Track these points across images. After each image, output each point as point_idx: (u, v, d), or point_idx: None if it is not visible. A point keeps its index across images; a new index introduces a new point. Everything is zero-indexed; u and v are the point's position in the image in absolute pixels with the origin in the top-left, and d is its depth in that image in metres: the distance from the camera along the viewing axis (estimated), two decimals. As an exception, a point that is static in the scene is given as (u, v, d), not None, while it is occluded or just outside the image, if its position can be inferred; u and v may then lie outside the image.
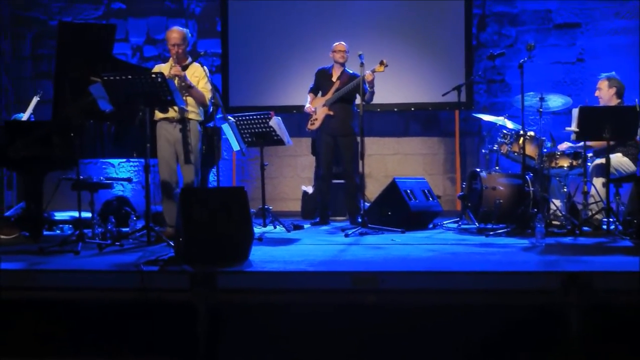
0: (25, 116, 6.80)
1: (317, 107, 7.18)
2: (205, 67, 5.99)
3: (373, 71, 6.70)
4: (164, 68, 5.94)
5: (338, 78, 7.15)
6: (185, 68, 5.88)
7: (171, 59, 5.94)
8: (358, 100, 7.15)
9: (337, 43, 7.19)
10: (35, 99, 6.92)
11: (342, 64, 7.16)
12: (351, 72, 7.12)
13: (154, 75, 5.35)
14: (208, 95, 5.98)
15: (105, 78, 5.36)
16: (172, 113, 5.86)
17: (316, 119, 7.16)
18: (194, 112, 5.95)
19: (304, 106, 7.32)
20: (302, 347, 4.02)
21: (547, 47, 8.79)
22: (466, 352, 3.94)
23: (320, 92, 7.29)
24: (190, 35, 6.08)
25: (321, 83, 7.29)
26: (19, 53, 9.67)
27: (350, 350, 4.00)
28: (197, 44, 9.37)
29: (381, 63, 6.70)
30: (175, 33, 5.93)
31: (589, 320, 3.83)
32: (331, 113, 7.07)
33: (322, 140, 7.21)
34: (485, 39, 9.02)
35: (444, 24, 8.82)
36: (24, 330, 4.21)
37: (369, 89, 6.73)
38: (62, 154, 5.95)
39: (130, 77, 5.35)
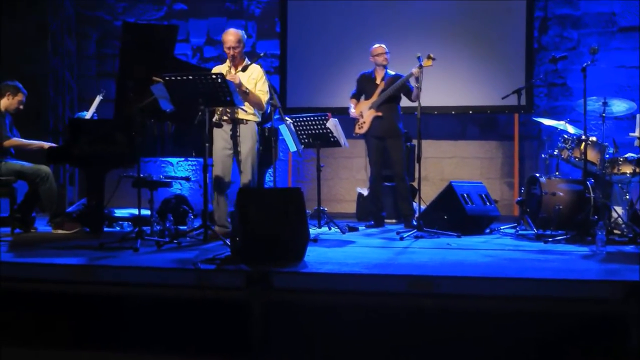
0: (88, 114, 6.96)
1: (363, 111, 7.16)
2: (262, 69, 6.02)
3: (420, 66, 6.61)
4: (221, 69, 6.00)
5: (382, 79, 7.14)
6: (244, 69, 5.93)
7: (228, 60, 6.00)
8: (403, 102, 7.13)
9: (375, 46, 7.19)
10: (98, 98, 7.09)
11: (384, 66, 7.13)
12: (393, 73, 7.12)
13: (214, 76, 5.41)
14: (265, 97, 6.00)
15: (167, 78, 5.45)
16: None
17: (364, 122, 7.15)
18: (250, 114, 6.00)
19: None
20: (355, 350, 4.01)
21: (611, 50, 8.59)
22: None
23: (363, 97, 7.27)
24: (245, 36, 6.10)
25: (364, 87, 7.28)
26: (83, 52, 9.92)
27: (404, 354, 3.98)
28: (256, 44, 9.46)
29: (428, 57, 6.62)
30: (232, 35, 5.96)
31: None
32: (379, 114, 7.06)
33: (371, 143, 7.21)
34: (546, 41, 8.87)
35: (504, 26, 8.71)
36: (82, 323, 4.31)
37: (414, 85, 6.64)
38: (124, 152, 6.07)
39: (191, 77, 5.43)
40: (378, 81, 7.18)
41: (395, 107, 7.13)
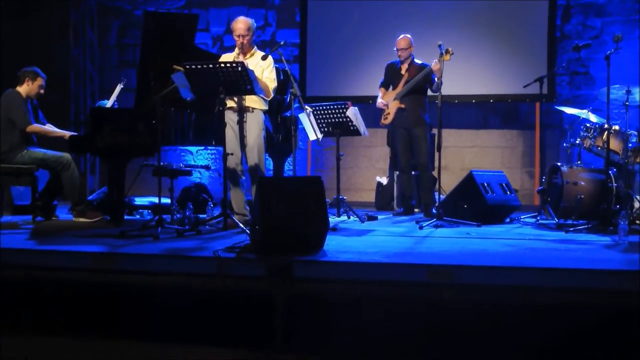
0: (109, 103, 7.00)
1: (388, 101, 7.14)
2: (270, 56, 5.96)
3: (439, 60, 6.60)
4: (230, 57, 5.99)
5: (406, 70, 7.09)
6: (252, 57, 5.95)
7: (236, 48, 5.99)
8: (430, 92, 7.09)
9: (398, 38, 7.09)
10: (119, 87, 7.12)
11: (411, 56, 7.08)
12: (420, 62, 7.05)
13: (234, 65, 5.41)
14: (272, 84, 5.97)
15: (188, 67, 5.46)
16: (231, 103, 5.91)
17: (389, 114, 7.13)
18: (257, 102, 5.98)
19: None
20: (375, 338, 4.01)
21: (635, 39, 8.47)
22: (543, 351, 3.86)
23: (390, 87, 7.23)
24: (255, 25, 6.08)
25: (391, 77, 7.24)
26: (105, 42, 9.97)
27: (424, 344, 3.97)
28: (276, 34, 9.46)
29: (447, 52, 6.59)
30: (241, 23, 5.94)
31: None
32: (402, 106, 7.03)
33: (397, 134, 7.20)
34: (569, 30, 8.77)
35: (526, 14, 8.62)
36: (103, 311, 4.35)
37: (436, 79, 6.64)
38: (145, 140, 6.09)
39: (211, 66, 5.43)
40: (403, 72, 7.12)
41: (420, 98, 7.06)
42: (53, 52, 9.14)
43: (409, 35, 7.10)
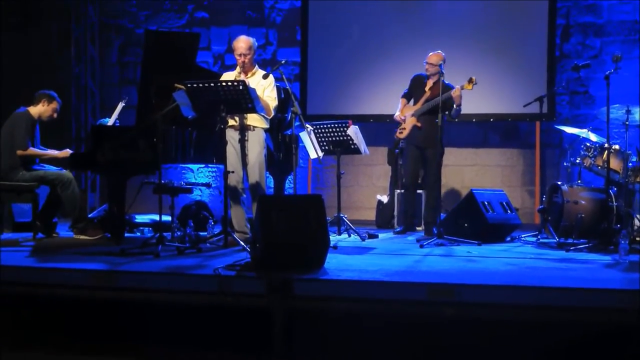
0: (110, 121, 7.01)
1: (406, 116, 7.08)
2: (271, 75, 5.99)
3: (461, 88, 6.59)
4: (231, 76, 6.01)
5: (430, 88, 6.98)
6: (253, 76, 5.98)
7: (238, 67, 6.01)
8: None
9: (430, 53, 6.98)
10: (120, 105, 7.13)
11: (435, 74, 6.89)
12: (447, 82, 6.77)
13: (235, 83, 5.44)
14: (273, 103, 5.99)
15: (189, 85, 5.49)
16: (232, 121, 5.92)
17: (404, 128, 7.07)
18: (258, 120, 5.99)
19: (381, 115, 7.31)
20: (376, 356, 4.01)
21: (634, 59, 8.51)
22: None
23: (412, 100, 7.14)
24: (256, 44, 6.11)
25: (414, 90, 7.12)
26: (106, 60, 10.00)
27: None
28: (277, 52, 9.50)
29: (470, 81, 6.55)
30: (242, 42, 5.97)
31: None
32: (419, 125, 6.95)
33: (409, 151, 7.13)
34: (568, 49, 8.81)
35: (526, 34, 8.66)
36: (103, 329, 4.34)
37: (454, 105, 6.62)
38: (146, 158, 6.09)
39: (212, 84, 5.46)
40: (427, 88, 6.99)
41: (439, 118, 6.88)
42: (54, 69, 9.18)
43: (441, 52, 6.96)
